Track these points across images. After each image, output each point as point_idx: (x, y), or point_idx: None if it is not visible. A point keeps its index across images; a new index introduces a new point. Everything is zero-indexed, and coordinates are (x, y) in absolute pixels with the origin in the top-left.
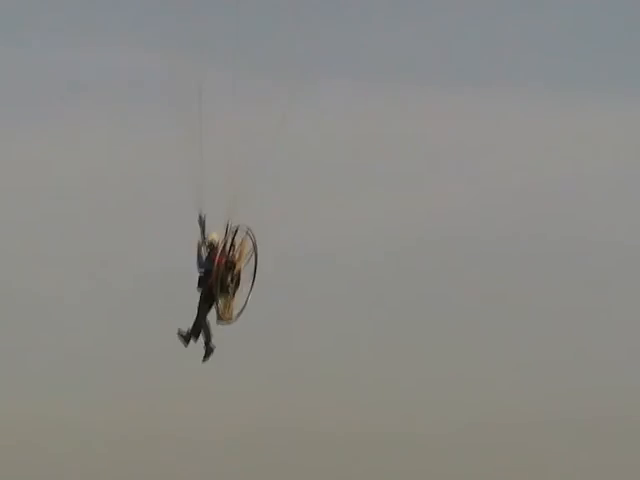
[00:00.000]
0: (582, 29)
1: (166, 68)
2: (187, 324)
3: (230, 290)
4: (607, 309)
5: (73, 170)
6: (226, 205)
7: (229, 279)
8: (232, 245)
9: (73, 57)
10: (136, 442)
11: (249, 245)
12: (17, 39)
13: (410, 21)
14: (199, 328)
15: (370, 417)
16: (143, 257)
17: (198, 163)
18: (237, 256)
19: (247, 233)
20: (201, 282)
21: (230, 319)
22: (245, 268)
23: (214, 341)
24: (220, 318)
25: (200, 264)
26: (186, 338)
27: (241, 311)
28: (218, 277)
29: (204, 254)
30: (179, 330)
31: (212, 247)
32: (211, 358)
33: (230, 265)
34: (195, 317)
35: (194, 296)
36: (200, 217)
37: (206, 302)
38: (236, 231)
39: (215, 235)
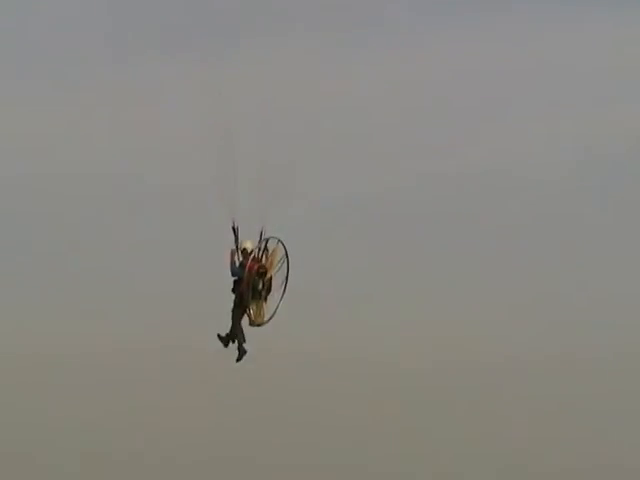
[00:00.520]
0: None
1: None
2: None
3: (262, 295)
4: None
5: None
6: (259, 215)
7: (260, 285)
8: (264, 253)
9: None
10: None
11: (280, 253)
12: None
13: None
14: (235, 331)
15: None
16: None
17: (231, 174)
18: (268, 263)
19: (279, 242)
20: (235, 287)
21: (261, 323)
22: (277, 275)
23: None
24: (252, 322)
25: (233, 271)
26: (225, 340)
27: (272, 316)
28: (250, 283)
29: (237, 261)
30: (219, 334)
31: (245, 254)
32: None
33: (262, 272)
34: (231, 321)
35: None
36: (233, 226)
37: (239, 307)
38: (267, 240)
39: (249, 243)
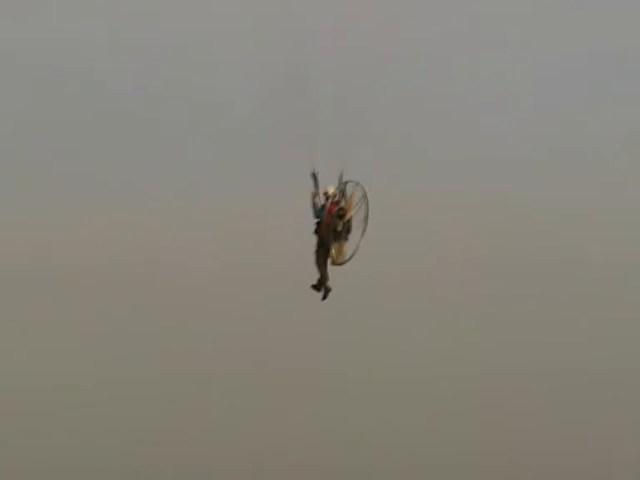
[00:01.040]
0: None
1: None
2: None
3: (342, 235)
4: None
5: None
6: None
7: (340, 226)
8: (343, 196)
9: None
10: None
11: (358, 195)
12: None
13: None
14: (322, 273)
15: None
16: None
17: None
18: (347, 205)
19: (357, 185)
20: (317, 229)
21: (343, 262)
22: (356, 216)
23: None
24: (334, 261)
25: (315, 213)
26: (318, 287)
27: (352, 255)
28: (329, 224)
29: (319, 204)
30: (312, 285)
31: (327, 198)
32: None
33: (341, 213)
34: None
35: None
36: (313, 173)
37: (322, 247)
38: (346, 183)
39: (331, 188)
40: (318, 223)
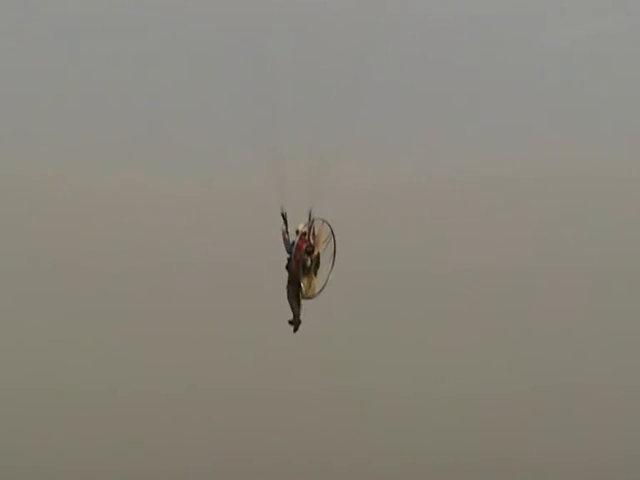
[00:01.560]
0: None
1: None
2: None
3: (311, 270)
4: None
5: None
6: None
7: (309, 262)
8: (312, 232)
9: None
10: None
11: (326, 232)
12: None
13: None
14: (293, 307)
15: None
16: None
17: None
18: (315, 242)
19: (324, 222)
20: (288, 265)
21: (312, 296)
22: (324, 252)
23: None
24: (304, 295)
25: (287, 249)
26: (293, 322)
27: (322, 289)
28: (299, 260)
29: (290, 241)
30: (289, 320)
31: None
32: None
33: (309, 250)
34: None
35: None
36: (282, 213)
37: (292, 282)
38: (313, 221)
39: (301, 225)
40: (289, 259)
